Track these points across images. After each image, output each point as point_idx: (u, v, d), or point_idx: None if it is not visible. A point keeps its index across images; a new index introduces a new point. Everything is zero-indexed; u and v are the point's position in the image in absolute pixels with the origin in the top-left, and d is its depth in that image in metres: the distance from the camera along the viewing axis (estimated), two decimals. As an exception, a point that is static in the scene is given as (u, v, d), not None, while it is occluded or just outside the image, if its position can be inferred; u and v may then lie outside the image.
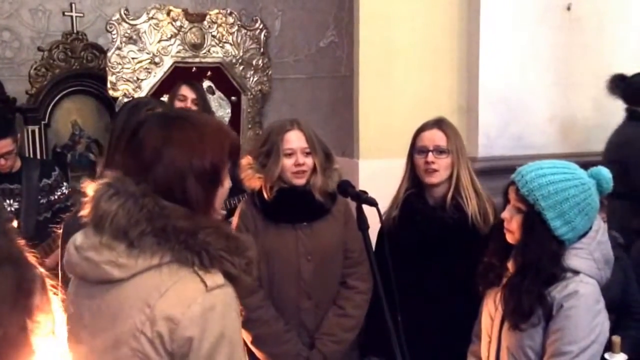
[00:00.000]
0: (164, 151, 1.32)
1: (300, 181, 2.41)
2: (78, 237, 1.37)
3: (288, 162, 2.40)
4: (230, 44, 4.37)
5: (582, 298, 1.81)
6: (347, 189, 2.15)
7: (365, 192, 2.06)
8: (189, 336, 1.25)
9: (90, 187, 1.35)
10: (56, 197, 3.46)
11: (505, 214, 1.94)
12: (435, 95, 3.87)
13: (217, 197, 1.41)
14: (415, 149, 2.51)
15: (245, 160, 2.44)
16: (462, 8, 3.92)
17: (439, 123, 2.52)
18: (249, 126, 4.52)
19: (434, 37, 3.89)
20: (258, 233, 2.40)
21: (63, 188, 3.52)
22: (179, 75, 4.07)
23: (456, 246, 2.41)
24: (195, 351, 1.26)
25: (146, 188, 1.31)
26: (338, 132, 4.10)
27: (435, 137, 2.47)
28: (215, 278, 1.29)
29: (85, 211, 1.35)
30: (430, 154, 2.45)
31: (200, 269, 1.28)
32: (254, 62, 4.49)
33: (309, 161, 2.42)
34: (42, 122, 4.21)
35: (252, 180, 2.42)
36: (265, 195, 2.41)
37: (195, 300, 1.26)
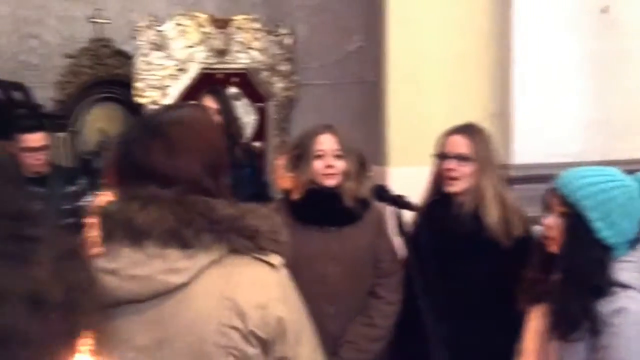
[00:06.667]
0: (176, 164, 1.30)
1: (330, 181, 2.39)
2: (106, 262, 1.27)
3: (318, 164, 2.38)
4: (256, 50, 4.34)
5: (631, 315, 1.72)
6: (382, 193, 2.10)
7: (402, 197, 2.00)
8: (279, 316, 1.27)
9: (97, 210, 1.31)
10: (82, 204, 3.49)
11: (546, 221, 1.87)
12: (467, 101, 3.79)
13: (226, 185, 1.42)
14: (439, 154, 2.45)
15: (279, 161, 2.45)
16: (494, 11, 3.83)
17: (465, 129, 2.45)
18: (275, 132, 4.48)
19: (465, 41, 3.81)
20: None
21: (90, 196, 3.55)
22: (205, 81, 4.05)
23: (471, 259, 2.34)
24: (288, 330, 1.29)
25: (178, 189, 1.27)
26: (365, 138, 4.02)
27: (459, 144, 2.40)
28: (274, 257, 1.31)
29: (98, 233, 1.29)
30: (450, 160, 2.38)
31: (257, 252, 1.29)
32: (279, 68, 4.45)
33: (339, 164, 2.40)
34: (70, 129, 4.23)
35: (284, 180, 2.43)
36: (295, 196, 2.40)
37: (272, 281, 1.30)
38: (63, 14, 4.79)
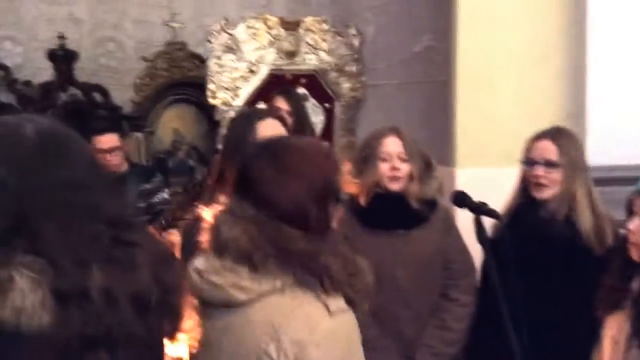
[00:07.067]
0: (281, 183, 1.34)
1: (395, 186, 2.39)
2: (199, 262, 1.39)
3: (384, 167, 2.39)
4: (324, 51, 4.38)
5: None
6: (464, 200, 2.08)
7: (485, 204, 2.00)
8: None
9: (207, 214, 1.41)
10: (156, 201, 3.59)
11: (630, 225, 1.83)
12: (539, 101, 3.70)
13: (334, 215, 1.41)
14: (525, 160, 2.40)
15: (345, 167, 2.46)
16: (569, 9, 3.73)
17: (553, 133, 2.39)
18: (342, 133, 4.51)
19: (538, 39, 3.72)
20: (354, 239, 2.39)
21: (164, 193, 3.65)
22: (275, 83, 4.12)
23: (564, 266, 2.29)
24: None
25: (267, 213, 1.32)
26: (432, 139, 3.99)
27: (546, 150, 2.34)
28: (338, 302, 1.30)
29: (204, 237, 1.39)
30: (538, 167, 2.33)
31: (322, 293, 1.29)
32: (347, 69, 4.48)
33: (404, 167, 2.40)
34: (146, 130, 4.37)
35: (349, 185, 2.43)
36: (361, 201, 2.41)
37: (320, 324, 1.27)
38: (140, 18, 4.96)
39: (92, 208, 1.04)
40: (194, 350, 1.38)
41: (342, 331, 1.30)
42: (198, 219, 2.08)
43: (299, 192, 1.34)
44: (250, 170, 1.38)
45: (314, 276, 1.29)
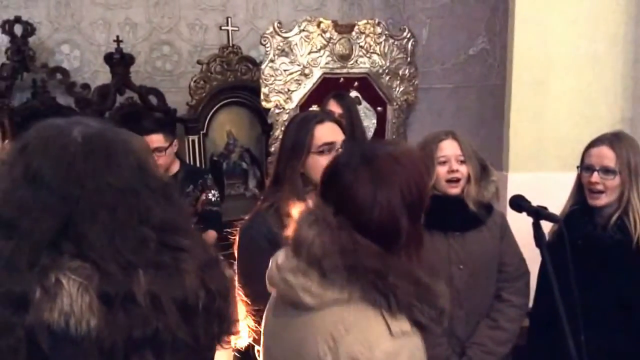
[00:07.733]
0: (378, 194, 1.30)
1: (454, 190, 2.42)
2: (280, 256, 1.40)
3: (442, 170, 2.41)
4: (378, 54, 4.38)
5: None
6: (521, 204, 2.08)
7: (544, 208, 1.99)
8: None
9: (295, 210, 1.40)
10: (201, 200, 3.63)
11: None
12: (594, 106, 3.64)
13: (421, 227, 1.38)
14: (583, 166, 2.39)
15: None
16: (627, 12, 3.66)
17: (612, 139, 2.36)
18: (394, 137, 4.50)
19: (594, 43, 3.66)
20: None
21: (210, 195, 3.68)
22: (327, 86, 4.13)
23: (617, 270, 2.27)
24: None
25: (343, 220, 1.30)
26: (485, 143, 3.96)
27: (603, 156, 2.32)
28: (402, 324, 1.27)
29: (288, 232, 1.39)
30: (595, 173, 2.31)
31: (387, 312, 1.26)
32: (400, 72, 4.48)
33: (462, 169, 2.42)
34: (201, 132, 4.43)
35: None
36: None
37: (379, 344, 1.24)
38: (194, 21, 5.04)
39: (138, 212, 1.05)
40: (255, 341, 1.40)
41: (402, 354, 1.25)
42: (253, 219, 2.12)
43: (392, 200, 1.30)
44: (341, 176, 1.34)
45: (381, 294, 1.26)
